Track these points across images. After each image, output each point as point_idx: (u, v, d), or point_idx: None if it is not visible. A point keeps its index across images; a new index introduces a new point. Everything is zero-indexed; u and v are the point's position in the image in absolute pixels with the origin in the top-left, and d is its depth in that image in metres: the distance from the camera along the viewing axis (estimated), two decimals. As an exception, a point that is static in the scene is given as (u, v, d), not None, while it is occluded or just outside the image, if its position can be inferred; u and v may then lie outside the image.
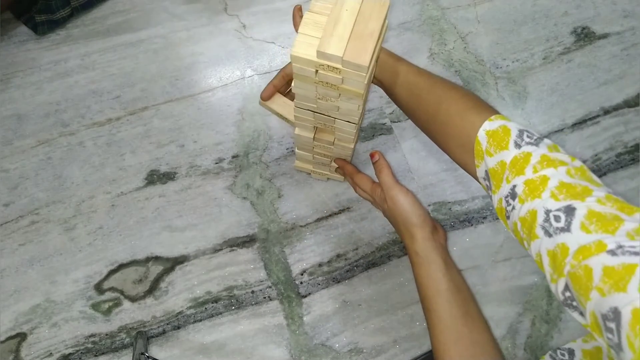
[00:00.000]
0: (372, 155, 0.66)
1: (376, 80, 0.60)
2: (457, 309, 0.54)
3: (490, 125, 0.47)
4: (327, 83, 0.54)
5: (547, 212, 0.40)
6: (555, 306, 0.74)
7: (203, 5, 0.95)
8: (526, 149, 0.44)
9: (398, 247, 0.77)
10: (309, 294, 0.75)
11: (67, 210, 0.79)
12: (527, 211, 0.42)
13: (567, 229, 0.39)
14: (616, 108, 0.87)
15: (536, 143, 0.45)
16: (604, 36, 0.93)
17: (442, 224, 0.78)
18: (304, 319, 0.73)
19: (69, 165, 0.82)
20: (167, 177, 0.81)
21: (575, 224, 0.38)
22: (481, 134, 0.47)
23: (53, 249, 0.77)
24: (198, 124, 0.85)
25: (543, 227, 0.40)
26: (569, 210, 0.39)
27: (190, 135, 0.84)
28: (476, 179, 0.51)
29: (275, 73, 0.88)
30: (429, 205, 0.80)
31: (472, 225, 0.79)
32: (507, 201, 0.45)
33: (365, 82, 0.52)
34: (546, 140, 0.45)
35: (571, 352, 0.59)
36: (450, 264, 0.58)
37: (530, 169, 0.43)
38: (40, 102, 0.86)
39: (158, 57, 0.90)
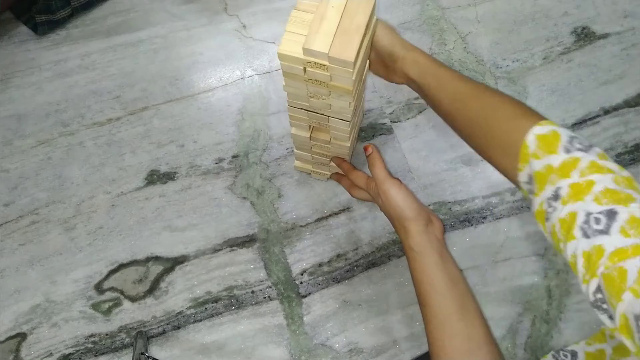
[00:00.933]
0: (365, 149, 0.66)
1: (415, 84, 0.59)
2: (452, 304, 0.54)
3: (540, 129, 0.47)
4: (316, 80, 0.54)
5: (588, 214, 0.41)
6: (555, 306, 0.74)
7: (203, 5, 0.95)
8: (576, 154, 0.44)
9: (398, 247, 0.77)
10: (309, 294, 0.75)
11: (67, 210, 0.79)
12: (567, 213, 0.42)
13: (606, 231, 0.39)
14: (616, 108, 0.87)
15: (586, 150, 0.45)
16: (604, 36, 0.93)
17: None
18: (304, 319, 0.73)
19: (69, 165, 0.82)
20: (167, 177, 0.81)
21: (615, 227, 0.39)
22: (530, 138, 0.47)
23: (53, 249, 0.77)
24: (198, 124, 0.85)
25: (582, 229, 0.41)
26: (611, 214, 0.39)
27: (190, 135, 0.84)
28: (516, 183, 0.50)
29: (275, 73, 0.89)
30: (429, 205, 0.80)
31: (472, 225, 0.79)
32: (548, 203, 0.45)
33: (353, 78, 0.52)
34: (596, 149, 0.45)
35: (574, 354, 0.59)
36: (446, 257, 0.57)
37: (577, 172, 0.43)
38: (40, 102, 0.86)
39: (158, 57, 0.90)
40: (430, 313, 0.55)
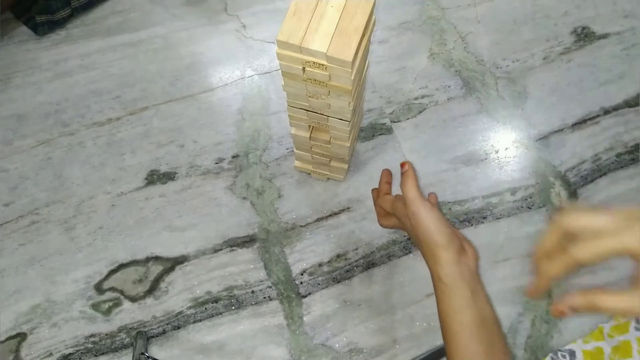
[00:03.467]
0: (402, 165, 0.59)
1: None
2: (479, 345, 0.50)
3: None
4: (315, 80, 0.54)
5: None
6: (555, 306, 0.74)
7: (203, 5, 0.95)
8: None
9: (398, 247, 0.77)
10: (309, 294, 0.75)
11: (67, 210, 0.79)
12: None
13: None
14: (616, 108, 0.87)
15: None
16: (604, 36, 0.93)
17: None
18: (304, 319, 0.73)
19: (69, 165, 0.82)
20: (167, 177, 0.81)
21: None
22: None
23: (53, 249, 0.77)
24: (198, 124, 0.85)
25: None
26: None
27: (190, 135, 0.84)
28: None
29: (275, 73, 0.89)
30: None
31: (472, 225, 0.79)
32: None
33: (352, 78, 0.52)
34: None
35: (572, 354, 0.59)
36: (477, 292, 0.52)
37: None
38: (40, 102, 0.86)
39: (158, 57, 0.90)
40: (455, 352, 0.51)
